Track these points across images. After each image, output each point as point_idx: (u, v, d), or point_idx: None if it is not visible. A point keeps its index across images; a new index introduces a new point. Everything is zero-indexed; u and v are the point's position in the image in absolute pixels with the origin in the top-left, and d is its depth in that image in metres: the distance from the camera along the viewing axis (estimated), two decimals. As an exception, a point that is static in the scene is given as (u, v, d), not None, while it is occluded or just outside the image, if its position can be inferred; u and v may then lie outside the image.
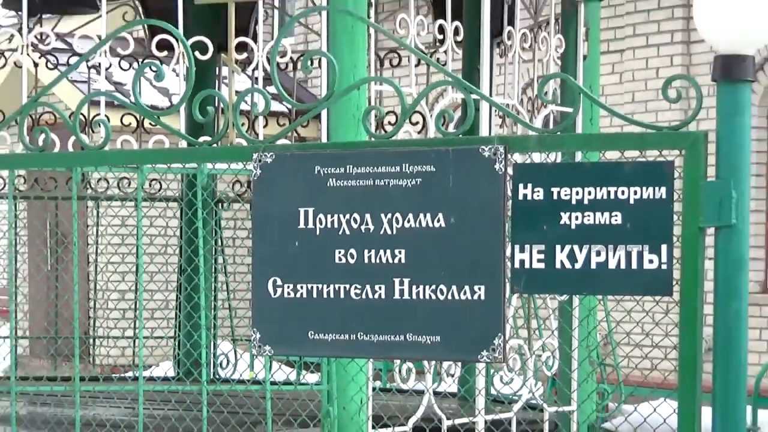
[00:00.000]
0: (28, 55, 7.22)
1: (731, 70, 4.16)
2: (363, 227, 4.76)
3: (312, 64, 6.26)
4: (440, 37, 6.84)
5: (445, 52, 6.84)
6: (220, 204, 9.78)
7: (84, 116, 5.96)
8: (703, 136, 4.20)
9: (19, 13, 8.77)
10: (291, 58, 8.91)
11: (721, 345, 4.18)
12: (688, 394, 4.22)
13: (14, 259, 10.54)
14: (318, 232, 4.89)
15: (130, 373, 10.48)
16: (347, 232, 4.81)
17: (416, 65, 6.94)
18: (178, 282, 10.44)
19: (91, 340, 17.44)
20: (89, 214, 13.04)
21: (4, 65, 9.44)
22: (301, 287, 4.95)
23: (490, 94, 6.88)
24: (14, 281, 7.18)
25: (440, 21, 6.89)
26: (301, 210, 4.88)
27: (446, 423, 6.79)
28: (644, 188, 4.39)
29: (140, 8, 9.33)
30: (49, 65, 9.34)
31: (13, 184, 7.66)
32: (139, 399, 6.92)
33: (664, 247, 4.22)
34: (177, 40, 5.64)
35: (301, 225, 4.87)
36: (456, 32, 6.96)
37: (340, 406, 6.18)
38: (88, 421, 6.52)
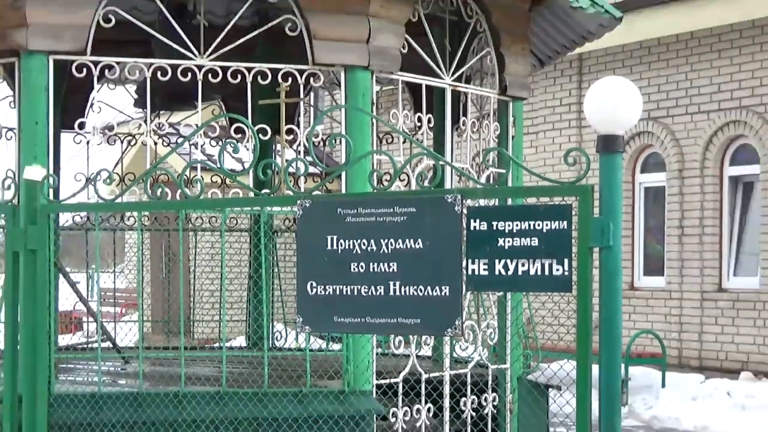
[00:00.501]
0: (150, 137, 7.17)
1: (608, 145, 4.33)
2: (369, 248, 4.75)
3: (335, 142, 7.25)
4: (419, 124, 6.72)
5: (422, 133, 6.76)
6: (275, 233, 9.94)
7: (186, 176, 5.87)
8: (591, 188, 4.35)
9: (145, 109, 8.89)
10: (321, 138, 8.85)
11: (604, 324, 4.29)
12: (583, 357, 4.32)
13: (141, 270, 11.30)
14: (339, 252, 4.85)
15: (216, 344, 10.59)
16: (358, 251, 4.81)
17: (403, 142, 6.89)
18: (248, 284, 10.47)
19: (192, 323, 17.52)
20: (191, 240, 13.29)
21: (135, 143, 9.57)
22: (329, 287, 4.94)
23: (452, 161, 6.83)
24: (141, 284, 7.24)
25: (419, 114, 6.80)
26: (329, 237, 4.86)
27: (424, 376, 6.71)
28: (552, 222, 4.51)
29: (223, 106, 9.37)
30: (164, 143, 9.51)
31: (140, 221, 8.82)
32: (223, 361, 6.86)
33: (566, 261, 4.32)
34: (247, 127, 5.54)
35: (329, 247, 4.84)
36: (429, 121, 6.83)
37: (355, 365, 6.05)
38: (189, 376, 6.44)
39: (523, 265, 4.48)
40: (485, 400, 7.83)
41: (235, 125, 6.72)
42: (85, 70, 6.67)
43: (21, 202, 5.68)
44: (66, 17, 6.47)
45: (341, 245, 4.89)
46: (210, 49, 6.92)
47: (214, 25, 7.30)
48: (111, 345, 8.24)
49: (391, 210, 4.82)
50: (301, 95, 6.64)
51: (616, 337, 4.31)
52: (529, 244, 4.48)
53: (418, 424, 7.07)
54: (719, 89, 16.96)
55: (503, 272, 4.50)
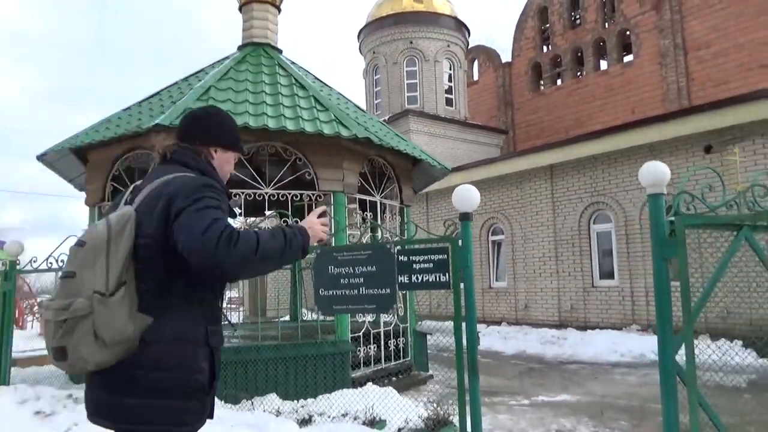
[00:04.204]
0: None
1: (466, 217, 4.09)
2: (348, 271, 4.49)
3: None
4: (364, 215, 6.32)
5: (370, 219, 6.28)
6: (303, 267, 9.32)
7: None
8: (457, 239, 4.08)
9: (239, 216, 8.17)
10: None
11: (467, 305, 3.94)
12: (457, 319, 4.01)
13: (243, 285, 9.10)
14: (334, 273, 4.55)
15: (276, 319, 9.84)
16: (343, 272, 4.51)
17: (362, 224, 6.48)
18: (290, 288, 9.76)
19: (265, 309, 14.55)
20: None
21: None
22: (330, 291, 4.59)
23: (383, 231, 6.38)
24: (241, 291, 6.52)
25: (364, 211, 6.43)
26: (329, 266, 4.59)
27: (373, 331, 6.14)
28: (439, 256, 4.19)
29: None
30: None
31: None
32: (278, 328, 6.49)
33: (448, 274, 4.11)
34: (290, 218, 5.15)
35: (329, 272, 4.61)
36: (366, 215, 6.44)
37: (340, 328, 5.64)
38: (264, 337, 6.20)
39: (426, 277, 4.28)
40: (399, 341, 7.40)
41: (282, 219, 6.08)
42: None
43: None
44: None
45: (335, 270, 4.68)
46: (271, 184, 6.63)
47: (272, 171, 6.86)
48: (228, 322, 7.57)
49: (360, 252, 4.65)
50: (313, 204, 6.09)
51: (473, 310, 3.97)
52: (428, 266, 4.26)
53: (370, 354, 6.81)
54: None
55: (416, 280, 4.33)
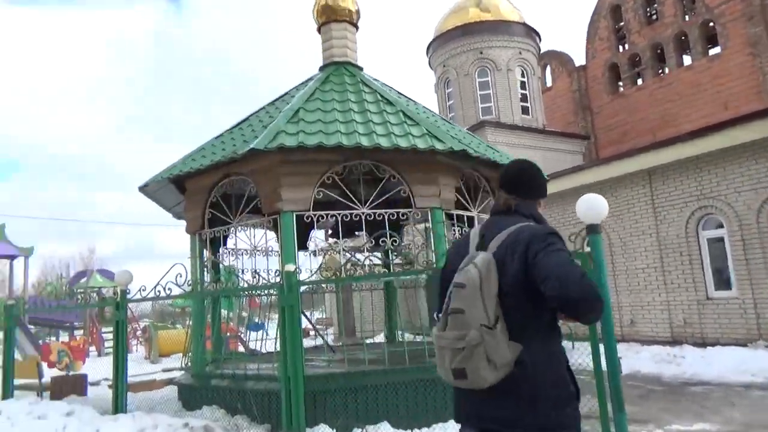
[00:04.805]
0: (342, 251, 6.44)
1: (594, 229, 3.11)
2: None
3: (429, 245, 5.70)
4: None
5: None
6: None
7: (347, 268, 5.27)
8: (588, 255, 3.05)
9: (335, 237, 8.11)
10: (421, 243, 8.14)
11: (605, 328, 2.97)
12: (594, 342, 2.99)
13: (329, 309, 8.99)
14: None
15: (368, 340, 9.45)
16: None
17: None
18: (384, 310, 9.63)
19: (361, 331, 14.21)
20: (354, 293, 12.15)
21: (328, 254, 8.58)
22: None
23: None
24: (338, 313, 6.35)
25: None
26: (440, 288, 3.78)
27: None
28: None
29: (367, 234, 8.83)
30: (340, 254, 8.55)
31: (339, 288, 6.99)
32: (385, 351, 6.29)
33: None
34: (389, 237, 4.91)
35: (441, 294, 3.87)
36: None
37: None
38: (363, 359, 5.87)
39: None
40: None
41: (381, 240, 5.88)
42: (309, 219, 6.34)
43: (284, 282, 5.45)
44: (299, 194, 6.33)
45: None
46: (367, 204, 6.39)
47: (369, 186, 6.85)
48: (325, 344, 7.35)
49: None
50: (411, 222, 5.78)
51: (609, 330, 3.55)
52: None
53: None
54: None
55: None
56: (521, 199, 2.10)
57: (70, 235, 63.22)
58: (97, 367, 10.15)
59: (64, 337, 21.21)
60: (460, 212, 6.91)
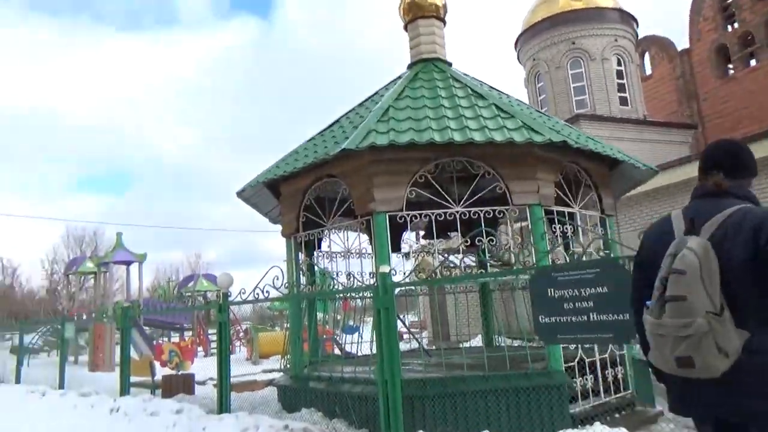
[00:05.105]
0: (436, 253, 6.22)
1: None
2: (572, 293, 3.88)
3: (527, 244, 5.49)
4: (562, 229, 5.71)
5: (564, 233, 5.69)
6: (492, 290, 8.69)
7: (440, 270, 5.12)
8: None
9: (428, 238, 7.93)
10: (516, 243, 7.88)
11: None
12: None
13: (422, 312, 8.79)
14: (555, 297, 3.96)
15: (464, 344, 9.13)
16: (567, 295, 3.87)
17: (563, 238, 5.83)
18: (480, 312, 9.19)
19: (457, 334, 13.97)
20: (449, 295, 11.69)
21: (421, 255, 8.31)
22: (552, 318, 3.94)
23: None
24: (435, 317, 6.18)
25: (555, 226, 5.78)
26: (548, 289, 4.08)
27: (588, 359, 5.34)
28: None
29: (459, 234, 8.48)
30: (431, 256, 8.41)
31: (435, 290, 6.80)
32: (484, 356, 5.83)
33: None
34: (487, 235, 4.73)
35: (548, 295, 4.03)
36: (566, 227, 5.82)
37: (553, 356, 5.55)
38: (459, 364, 5.53)
39: None
40: (616, 370, 6.36)
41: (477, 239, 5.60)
42: (402, 219, 6.14)
43: (379, 283, 5.20)
44: (392, 194, 6.16)
45: (556, 293, 3.96)
46: (461, 203, 6.17)
47: (462, 184, 6.53)
48: (421, 348, 7.16)
49: (585, 271, 3.87)
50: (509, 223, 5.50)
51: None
52: None
53: (587, 386, 5.82)
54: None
55: None
56: (732, 179, 2.00)
57: (179, 243, 67.69)
58: (204, 367, 10.62)
59: (175, 338, 22.59)
60: (561, 208, 6.42)
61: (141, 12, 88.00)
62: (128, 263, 24.00)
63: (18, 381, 11.53)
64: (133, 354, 16.01)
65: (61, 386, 10.41)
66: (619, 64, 19.20)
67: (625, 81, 19.10)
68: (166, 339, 22.57)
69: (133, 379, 9.11)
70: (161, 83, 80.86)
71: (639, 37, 21.00)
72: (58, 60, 73.67)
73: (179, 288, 26.38)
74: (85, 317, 18.78)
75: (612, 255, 6.27)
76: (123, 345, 8.83)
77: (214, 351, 17.84)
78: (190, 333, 21.24)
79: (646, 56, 23.65)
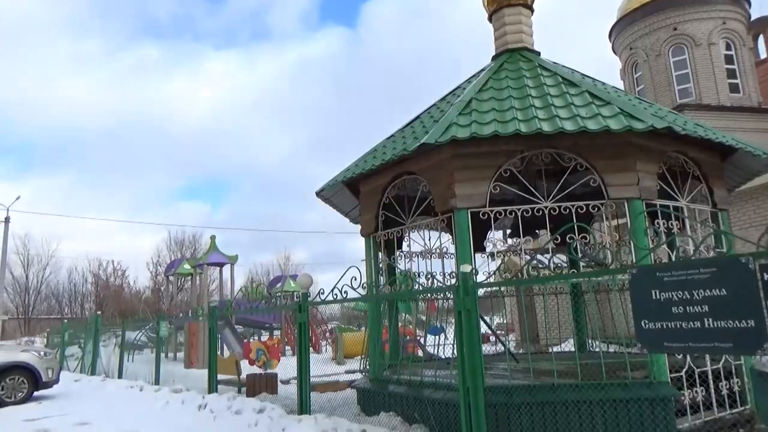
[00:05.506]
0: (523, 252, 5.88)
1: None
2: (683, 296, 3.38)
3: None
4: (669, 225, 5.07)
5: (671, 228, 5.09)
6: (584, 293, 8.16)
7: (529, 270, 4.75)
8: None
9: (515, 236, 7.51)
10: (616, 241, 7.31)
11: None
12: None
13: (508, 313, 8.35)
14: (662, 299, 3.49)
15: (552, 348, 8.58)
16: (675, 298, 3.41)
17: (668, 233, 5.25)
18: (572, 315, 8.65)
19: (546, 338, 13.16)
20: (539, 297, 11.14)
21: (507, 256, 7.97)
22: (657, 323, 3.54)
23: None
24: (524, 320, 5.74)
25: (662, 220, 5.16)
26: (652, 291, 3.62)
27: (698, 369, 4.79)
28: None
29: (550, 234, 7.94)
30: (518, 256, 7.94)
31: (522, 291, 6.51)
32: (577, 363, 5.50)
33: None
34: (588, 232, 4.34)
35: (653, 297, 3.58)
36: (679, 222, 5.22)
37: (657, 366, 5.04)
38: (547, 371, 5.03)
39: None
40: (732, 383, 5.70)
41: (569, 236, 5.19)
42: (486, 216, 5.90)
43: (460, 284, 4.99)
44: (474, 190, 5.89)
45: (662, 295, 3.52)
46: (550, 198, 5.82)
47: (550, 179, 6.30)
48: (506, 351, 6.78)
49: (698, 271, 3.39)
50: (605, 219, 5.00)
51: None
52: None
53: (696, 399, 5.21)
54: None
55: None
56: None
57: (271, 245, 70.61)
58: (291, 366, 10.77)
59: (265, 337, 23.35)
60: (665, 202, 5.79)
61: (236, 29, 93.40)
62: (221, 265, 25.18)
63: (120, 376, 12.29)
64: (226, 352, 16.68)
65: (157, 382, 10.92)
66: (728, 48, 17.68)
67: (735, 66, 17.52)
68: (256, 338, 23.45)
69: (221, 377, 9.41)
70: (255, 96, 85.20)
71: (752, 19, 19.43)
72: (162, 78, 79.92)
73: (268, 288, 27.31)
74: (181, 316, 19.89)
75: (728, 253, 5.65)
76: (211, 343, 9.12)
77: (301, 351, 18.40)
78: (279, 333, 21.93)
79: (761, 39, 21.59)
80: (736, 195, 12.04)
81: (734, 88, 17.60)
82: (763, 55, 21.35)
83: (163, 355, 20.68)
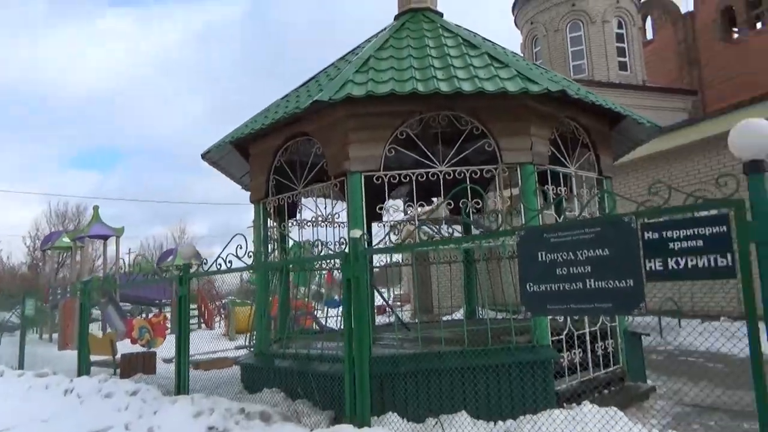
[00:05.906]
0: (416, 221, 5.67)
1: (756, 167, 2.73)
2: (568, 257, 3.50)
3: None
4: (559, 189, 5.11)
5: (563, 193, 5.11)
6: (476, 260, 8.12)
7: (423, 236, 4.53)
8: (743, 200, 2.99)
9: (410, 203, 7.37)
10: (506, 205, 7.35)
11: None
12: (752, 320, 2.44)
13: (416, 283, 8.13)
14: (547, 261, 3.58)
15: (445, 317, 8.58)
16: (560, 259, 3.52)
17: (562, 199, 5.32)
18: (463, 284, 8.67)
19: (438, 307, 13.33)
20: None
21: (404, 224, 7.77)
22: (542, 286, 3.58)
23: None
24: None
25: (553, 185, 5.18)
26: (538, 253, 3.63)
27: (577, 332, 4.87)
28: (713, 228, 2.85)
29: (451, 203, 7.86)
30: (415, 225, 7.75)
31: (414, 258, 6.27)
32: (464, 329, 5.20)
33: (728, 254, 2.80)
34: (476, 195, 4.10)
35: (539, 259, 3.62)
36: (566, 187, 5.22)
37: (539, 330, 4.54)
38: (437, 339, 4.97)
39: (692, 260, 2.90)
40: (607, 344, 5.97)
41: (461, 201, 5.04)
42: (380, 180, 5.60)
43: (350, 250, 4.84)
44: (369, 152, 5.66)
45: (548, 257, 3.55)
46: (445, 162, 5.70)
47: (446, 144, 6.22)
48: (400, 322, 6.63)
49: (583, 231, 3.43)
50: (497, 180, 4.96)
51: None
52: (695, 245, 2.88)
53: (574, 361, 5.44)
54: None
55: (675, 266, 2.94)
56: None
57: (166, 218, 66.87)
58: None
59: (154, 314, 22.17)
60: (555, 168, 5.88)
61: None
62: (106, 237, 23.35)
63: (-15, 360, 11.44)
64: (108, 329, 15.46)
65: (21, 366, 9.96)
66: (620, 27, 18.67)
67: (625, 45, 18.58)
68: (144, 315, 22.15)
69: (96, 358, 8.71)
70: (150, 58, 79.44)
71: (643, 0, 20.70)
72: (48, 36, 72.16)
73: (158, 262, 25.83)
74: (59, 293, 18.31)
75: (642, 209, 5.74)
76: (82, 321, 8.32)
77: (194, 327, 17.15)
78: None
79: (649, 20, 22.98)
80: (620, 166, 12.78)
81: (623, 66, 18.64)
82: (650, 36, 22.80)
83: (37, 336, 19.01)
